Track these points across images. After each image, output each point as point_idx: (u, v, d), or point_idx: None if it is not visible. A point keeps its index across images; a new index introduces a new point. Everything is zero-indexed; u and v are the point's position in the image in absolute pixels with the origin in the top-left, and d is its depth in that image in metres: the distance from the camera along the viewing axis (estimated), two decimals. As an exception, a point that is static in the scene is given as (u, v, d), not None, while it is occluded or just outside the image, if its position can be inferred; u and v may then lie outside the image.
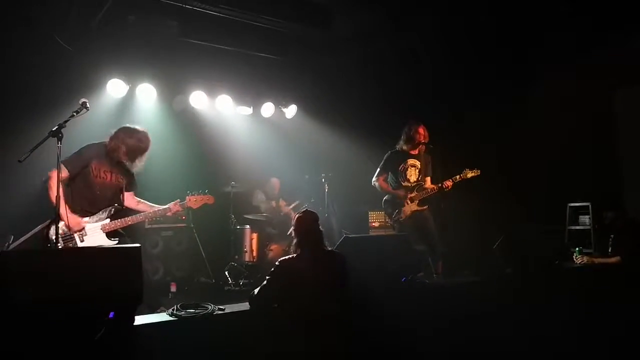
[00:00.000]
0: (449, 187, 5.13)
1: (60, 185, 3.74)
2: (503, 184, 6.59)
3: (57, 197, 3.45)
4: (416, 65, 6.80)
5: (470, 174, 5.16)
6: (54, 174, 3.74)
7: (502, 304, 4.38)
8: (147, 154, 4.15)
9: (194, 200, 4.36)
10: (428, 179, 5.36)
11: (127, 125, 4.15)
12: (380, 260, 4.19)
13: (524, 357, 4.15)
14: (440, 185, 5.16)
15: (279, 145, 7.36)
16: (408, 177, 5.35)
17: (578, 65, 6.18)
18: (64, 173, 3.77)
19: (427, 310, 4.15)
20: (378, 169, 5.45)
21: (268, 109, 7.20)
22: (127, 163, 4.11)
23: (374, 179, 5.45)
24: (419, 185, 5.30)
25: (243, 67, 6.65)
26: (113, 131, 4.09)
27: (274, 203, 7.11)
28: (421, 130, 5.31)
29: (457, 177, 5.18)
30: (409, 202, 5.23)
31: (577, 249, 5.60)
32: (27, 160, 3.37)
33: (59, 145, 3.43)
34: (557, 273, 5.22)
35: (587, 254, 5.59)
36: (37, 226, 3.95)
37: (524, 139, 6.64)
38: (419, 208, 5.23)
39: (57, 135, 3.41)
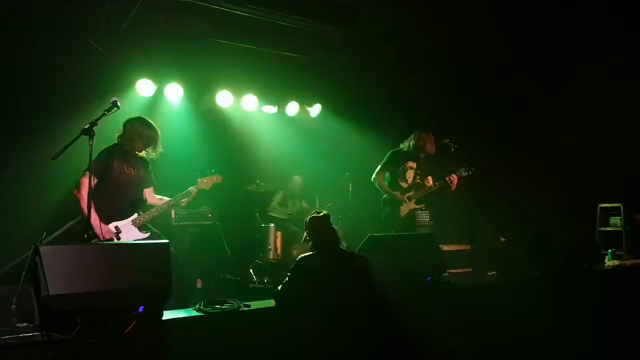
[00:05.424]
0: (454, 184, 5.28)
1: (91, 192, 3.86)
2: (532, 184, 6.47)
3: (89, 194, 3.54)
4: (442, 65, 6.73)
5: (464, 173, 5.29)
6: (81, 182, 3.87)
7: (530, 305, 4.31)
8: (159, 141, 4.28)
9: (204, 182, 4.47)
10: (429, 178, 5.55)
11: (133, 117, 4.25)
12: (405, 259, 4.17)
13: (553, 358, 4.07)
14: (440, 182, 5.35)
15: (303, 144, 7.38)
16: (407, 178, 5.53)
17: (614, 63, 6.02)
18: (92, 181, 3.82)
19: (452, 310, 4.12)
20: (379, 167, 5.62)
21: (293, 108, 7.24)
22: (145, 152, 4.26)
23: (374, 176, 5.62)
24: (417, 184, 5.49)
25: (268, 67, 6.69)
26: (121, 127, 4.18)
27: (297, 202, 7.14)
28: (430, 140, 5.48)
29: (453, 175, 5.29)
30: (407, 200, 5.42)
31: (609, 251, 5.47)
32: (60, 158, 3.48)
33: (91, 143, 3.52)
34: (588, 275, 5.11)
35: (618, 257, 5.46)
36: (67, 223, 4.08)
37: (556, 138, 6.50)
38: (416, 207, 5.44)
39: (89, 133, 3.50)
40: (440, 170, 5.51)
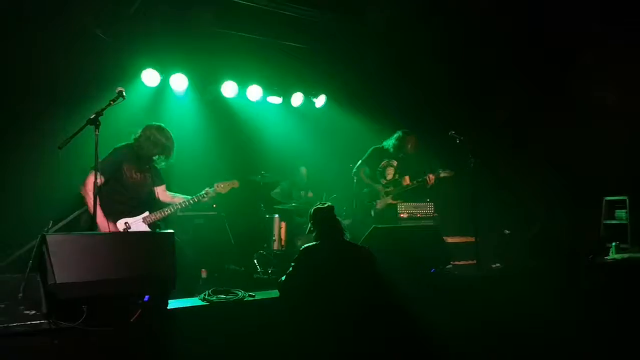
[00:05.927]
0: (431, 183, 5.60)
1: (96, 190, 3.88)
2: (537, 176, 6.46)
3: (95, 193, 3.56)
4: (447, 59, 6.70)
5: (442, 174, 5.59)
6: (88, 180, 3.88)
7: (533, 297, 4.32)
8: (173, 153, 4.31)
9: (222, 187, 4.57)
10: (407, 177, 5.78)
11: (152, 123, 4.28)
12: (408, 251, 4.18)
13: (554, 351, 4.09)
14: (418, 180, 5.63)
15: (308, 135, 7.37)
16: (386, 174, 5.78)
17: (620, 55, 5.97)
18: (100, 179, 3.83)
19: (455, 302, 4.13)
20: (360, 162, 5.86)
21: (298, 98, 7.23)
22: (156, 159, 4.28)
23: (355, 170, 5.86)
24: (396, 181, 5.74)
25: (274, 57, 6.67)
26: (139, 131, 4.21)
27: (302, 193, 7.15)
28: (412, 141, 5.70)
29: (431, 175, 5.58)
30: (385, 195, 5.69)
31: (613, 244, 5.46)
32: (67, 148, 3.50)
33: (97, 133, 3.54)
34: (590, 268, 5.10)
35: (622, 250, 5.45)
36: (73, 212, 4.12)
37: (560, 130, 6.47)
38: (392, 202, 5.71)
39: (95, 123, 3.51)
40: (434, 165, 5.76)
